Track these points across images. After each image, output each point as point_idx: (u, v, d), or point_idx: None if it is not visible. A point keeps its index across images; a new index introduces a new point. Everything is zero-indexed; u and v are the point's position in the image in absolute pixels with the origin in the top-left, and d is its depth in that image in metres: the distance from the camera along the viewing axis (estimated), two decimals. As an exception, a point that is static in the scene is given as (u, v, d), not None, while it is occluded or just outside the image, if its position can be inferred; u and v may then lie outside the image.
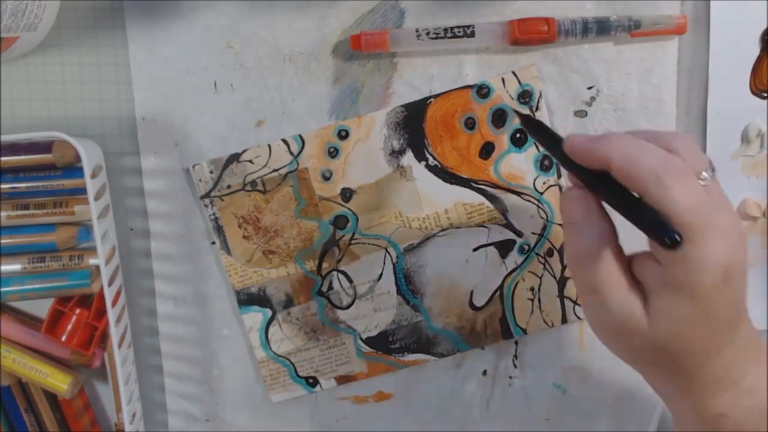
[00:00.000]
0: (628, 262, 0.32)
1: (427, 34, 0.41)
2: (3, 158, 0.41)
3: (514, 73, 0.43)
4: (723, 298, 0.30)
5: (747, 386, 0.32)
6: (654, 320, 0.31)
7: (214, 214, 0.44)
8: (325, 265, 0.45)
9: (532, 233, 0.45)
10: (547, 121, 0.43)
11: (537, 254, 0.45)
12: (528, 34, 0.41)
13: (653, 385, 0.36)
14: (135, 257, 0.45)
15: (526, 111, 0.43)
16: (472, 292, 0.45)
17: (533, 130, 0.38)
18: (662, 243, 0.27)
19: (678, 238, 0.27)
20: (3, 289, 0.42)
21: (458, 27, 0.41)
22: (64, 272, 0.42)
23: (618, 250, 0.32)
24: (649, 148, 0.30)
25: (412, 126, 0.43)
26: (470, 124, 0.43)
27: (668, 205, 0.29)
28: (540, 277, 0.45)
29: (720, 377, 0.32)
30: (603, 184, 0.31)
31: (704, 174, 0.31)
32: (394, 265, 0.45)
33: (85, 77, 0.42)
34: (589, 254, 0.31)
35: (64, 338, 0.43)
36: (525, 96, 0.43)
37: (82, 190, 0.39)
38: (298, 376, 0.46)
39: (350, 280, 0.45)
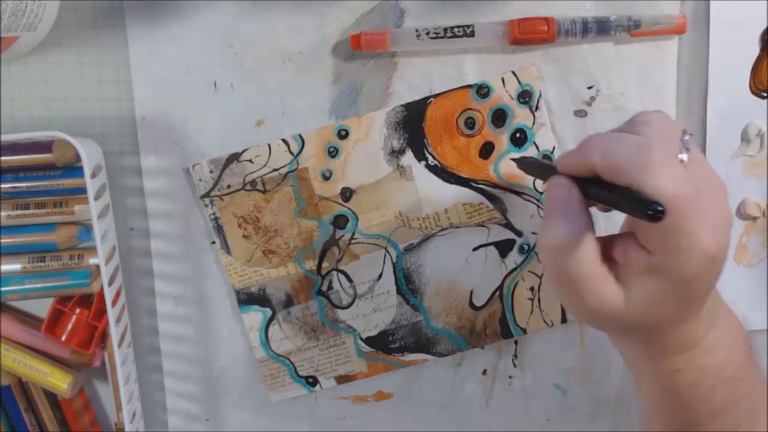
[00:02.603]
0: (604, 245, 0.32)
1: (427, 33, 0.41)
2: (3, 158, 0.41)
3: (513, 72, 0.43)
4: (703, 281, 0.31)
5: (704, 346, 0.34)
6: (632, 303, 0.31)
7: (214, 213, 0.44)
8: (325, 264, 0.45)
9: (532, 233, 0.45)
10: (546, 121, 0.43)
11: (537, 254, 0.45)
12: (528, 34, 0.41)
13: (616, 346, 0.36)
14: (135, 257, 0.45)
15: (518, 155, 0.43)
16: (471, 292, 0.45)
17: (529, 169, 0.40)
18: (647, 217, 0.28)
19: (660, 209, 0.27)
20: (3, 289, 0.42)
21: (458, 27, 0.41)
22: (64, 272, 0.42)
23: (594, 242, 0.32)
24: (625, 140, 0.30)
25: (412, 126, 0.43)
26: (470, 123, 0.43)
27: (654, 193, 0.29)
28: (540, 277, 0.45)
29: (682, 341, 0.33)
30: (592, 184, 0.31)
31: (681, 155, 0.31)
32: (393, 264, 0.45)
33: (85, 77, 0.42)
34: (568, 245, 0.31)
35: (64, 338, 0.43)
36: (525, 96, 0.43)
37: (82, 190, 0.39)
38: (298, 375, 0.46)
39: (350, 280, 0.45)
